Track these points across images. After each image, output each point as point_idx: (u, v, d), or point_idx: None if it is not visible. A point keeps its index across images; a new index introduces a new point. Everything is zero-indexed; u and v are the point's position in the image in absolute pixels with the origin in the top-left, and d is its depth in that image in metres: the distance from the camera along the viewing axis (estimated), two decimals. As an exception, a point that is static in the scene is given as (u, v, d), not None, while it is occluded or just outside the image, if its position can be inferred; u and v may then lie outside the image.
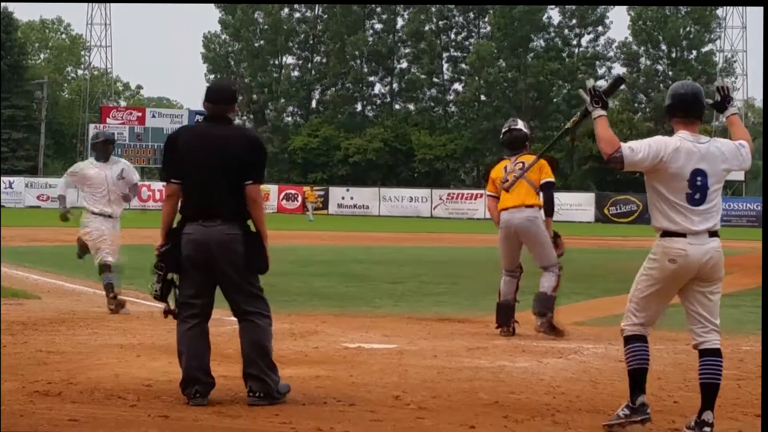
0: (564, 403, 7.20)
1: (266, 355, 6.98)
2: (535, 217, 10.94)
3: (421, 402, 7.11)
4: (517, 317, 11.08)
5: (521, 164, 10.92)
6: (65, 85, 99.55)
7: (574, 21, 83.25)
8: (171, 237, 7.01)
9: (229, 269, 6.91)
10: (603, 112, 6.42)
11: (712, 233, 6.44)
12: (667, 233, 6.43)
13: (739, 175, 72.98)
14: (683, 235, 6.38)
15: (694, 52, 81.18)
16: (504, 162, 11.32)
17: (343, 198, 68.66)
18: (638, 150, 6.32)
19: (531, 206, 10.94)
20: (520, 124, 11.41)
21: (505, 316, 10.98)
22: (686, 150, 6.39)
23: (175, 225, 7.07)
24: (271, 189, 70.35)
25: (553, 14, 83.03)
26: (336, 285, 17.08)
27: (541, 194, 11.03)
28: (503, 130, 11.43)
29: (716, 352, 6.44)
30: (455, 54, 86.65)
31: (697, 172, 6.38)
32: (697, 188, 6.38)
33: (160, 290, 7.05)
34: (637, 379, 6.50)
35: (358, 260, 23.46)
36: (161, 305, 7.14)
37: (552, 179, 11.15)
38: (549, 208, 11.10)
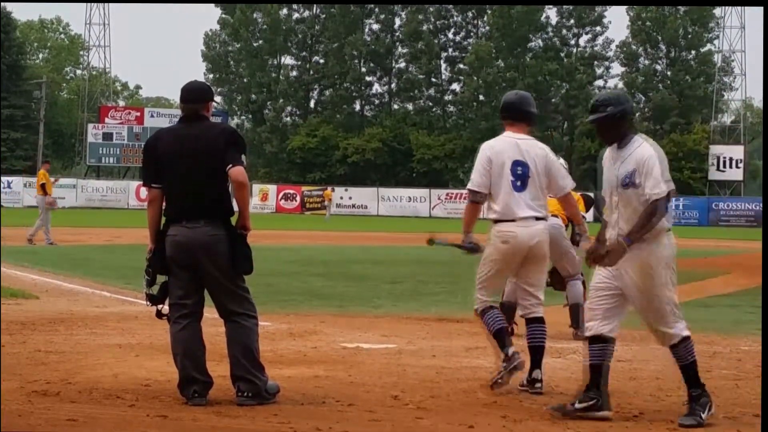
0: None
1: (253, 356, 6.96)
2: (560, 226, 10.89)
3: (419, 402, 7.11)
4: (516, 320, 11.08)
5: None
6: (64, 84, 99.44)
7: (572, 21, 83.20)
8: (159, 240, 7.02)
9: (213, 270, 6.90)
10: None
11: (539, 218, 7.60)
12: (499, 220, 7.61)
13: (738, 175, 73.16)
14: (512, 220, 7.54)
15: (693, 52, 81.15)
16: None
17: (341, 198, 68.64)
18: (476, 179, 7.58)
19: (556, 216, 10.87)
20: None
21: (505, 317, 10.95)
22: (504, 145, 7.66)
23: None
24: (269, 189, 70.39)
25: (551, 14, 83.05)
26: (335, 285, 17.08)
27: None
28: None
29: (541, 320, 7.73)
30: (453, 54, 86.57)
31: (517, 163, 7.58)
32: (518, 176, 7.56)
33: (155, 293, 7.06)
34: (501, 336, 7.67)
35: (356, 260, 23.45)
36: (154, 308, 7.14)
37: (584, 214, 11.14)
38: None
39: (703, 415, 6.62)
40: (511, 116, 7.84)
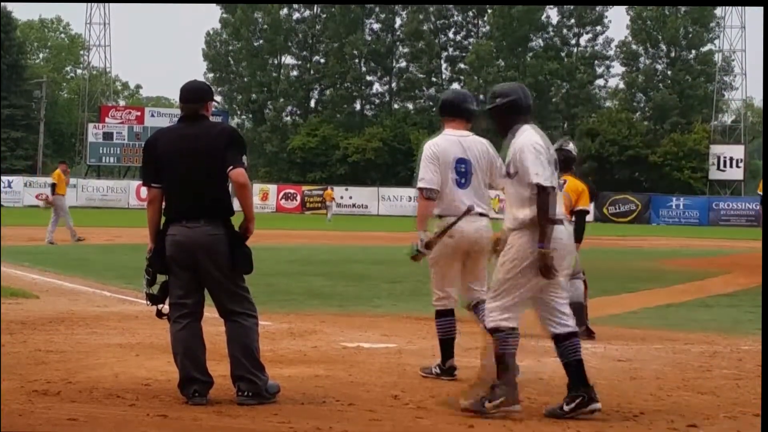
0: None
1: (253, 356, 6.96)
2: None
3: (419, 401, 7.10)
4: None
5: (564, 181, 10.86)
6: (64, 84, 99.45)
7: (572, 21, 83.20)
8: (158, 240, 7.02)
9: (213, 270, 6.90)
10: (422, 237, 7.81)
11: (482, 214, 7.88)
12: (443, 215, 7.78)
13: (738, 175, 73.14)
14: (456, 215, 7.73)
15: (693, 52, 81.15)
16: None
17: (342, 197, 68.62)
18: (427, 177, 7.74)
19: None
20: (571, 147, 11.27)
21: None
22: (447, 143, 7.94)
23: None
24: (270, 188, 70.38)
25: (552, 14, 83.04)
26: (335, 284, 17.07)
27: (573, 219, 10.92)
28: (554, 148, 11.34)
29: (451, 312, 8.02)
30: (454, 53, 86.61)
31: (460, 161, 7.87)
32: (461, 174, 7.84)
33: (155, 293, 7.07)
34: (447, 346, 8.08)
35: (357, 260, 23.45)
36: (154, 307, 7.14)
37: (587, 208, 11.03)
38: (578, 235, 11.04)
39: (487, 405, 6.68)
40: (450, 114, 8.21)
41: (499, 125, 7.08)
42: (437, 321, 8.21)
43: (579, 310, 10.77)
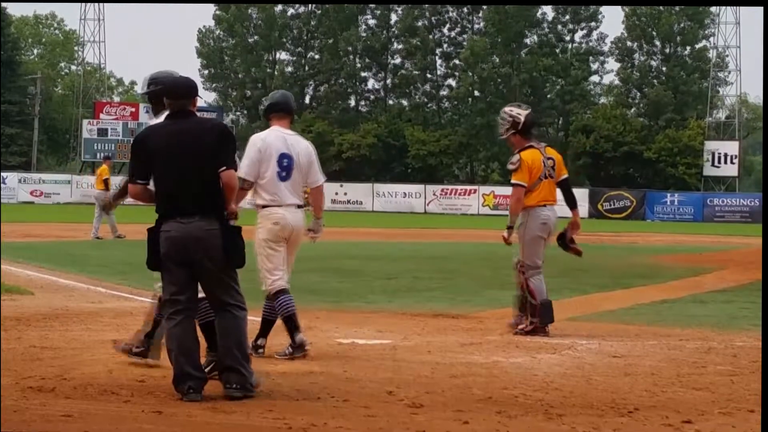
0: (557, 398, 7.20)
1: (244, 347, 7.02)
2: (555, 216, 11.00)
3: (414, 397, 7.10)
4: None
5: (552, 161, 10.82)
6: (58, 80, 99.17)
7: (567, 17, 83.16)
8: (153, 236, 7.01)
9: (208, 264, 6.93)
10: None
11: (299, 206, 8.71)
12: (267, 205, 8.54)
13: (733, 171, 73.24)
14: (279, 205, 8.53)
15: (688, 48, 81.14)
16: (537, 153, 10.82)
17: (336, 193, 68.51)
18: (246, 167, 8.41)
19: (552, 204, 11.00)
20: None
21: (552, 315, 10.68)
22: (273, 138, 8.65)
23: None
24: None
25: (547, 10, 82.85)
26: (330, 280, 17.07)
27: (561, 190, 10.99)
28: (526, 113, 10.90)
29: (287, 290, 8.64)
30: (449, 50, 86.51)
31: (284, 155, 8.61)
32: (283, 167, 8.58)
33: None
34: (292, 322, 8.66)
35: (351, 256, 23.43)
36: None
37: (567, 174, 11.16)
38: (573, 200, 11.15)
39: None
40: (279, 113, 8.91)
41: (153, 108, 8.01)
42: (277, 300, 8.66)
43: (548, 306, 10.70)
